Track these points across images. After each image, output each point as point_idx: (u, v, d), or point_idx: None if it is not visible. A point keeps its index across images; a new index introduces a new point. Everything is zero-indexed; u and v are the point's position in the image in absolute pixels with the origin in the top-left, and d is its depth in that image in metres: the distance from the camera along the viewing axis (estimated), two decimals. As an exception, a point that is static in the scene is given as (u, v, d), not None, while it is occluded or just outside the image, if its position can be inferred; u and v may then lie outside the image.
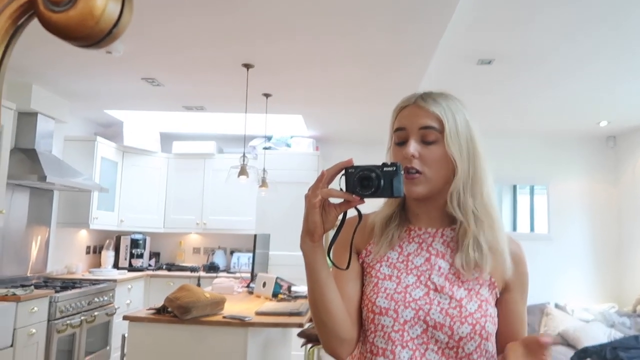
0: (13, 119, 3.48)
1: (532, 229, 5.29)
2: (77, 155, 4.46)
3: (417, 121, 0.99)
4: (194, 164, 5.19)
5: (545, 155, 5.20)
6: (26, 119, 3.80)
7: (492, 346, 0.97)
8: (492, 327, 0.96)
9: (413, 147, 0.98)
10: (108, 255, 4.84)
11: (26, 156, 3.68)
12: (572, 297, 4.95)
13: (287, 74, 3.43)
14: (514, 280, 1.01)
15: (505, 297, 1.02)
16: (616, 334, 4.13)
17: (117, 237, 5.03)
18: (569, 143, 5.19)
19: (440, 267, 1.00)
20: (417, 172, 0.98)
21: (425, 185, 0.98)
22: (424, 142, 0.99)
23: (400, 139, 1.01)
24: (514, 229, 5.28)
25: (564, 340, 4.45)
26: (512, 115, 4.49)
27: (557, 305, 4.84)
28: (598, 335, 4.14)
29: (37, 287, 3.47)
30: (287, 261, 4.48)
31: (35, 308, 3.15)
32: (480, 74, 3.39)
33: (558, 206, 5.15)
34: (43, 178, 3.47)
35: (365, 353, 0.98)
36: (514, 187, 5.34)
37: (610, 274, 5.02)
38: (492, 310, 0.97)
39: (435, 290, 0.97)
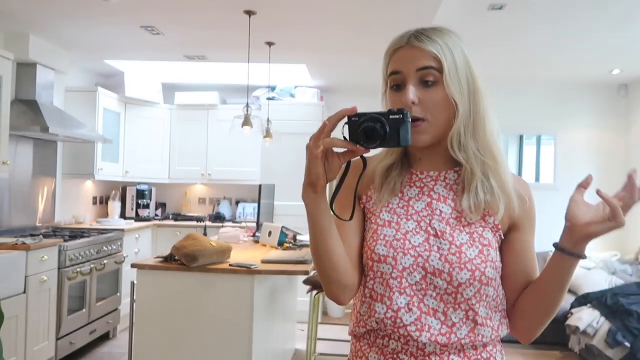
0: (12, 70, 3.42)
1: (537, 179, 5.28)
2: (78, 107, 4.42)
3: (414, 63, 0.93)
4: (197, 115, 5.14)
5: (554, 104, 5.11)
6: (25, 70, 3.74)
7: (492, 290, 0.96)
8: (492, 272, 0.94)
9: (412, 92, 0.93)
10: (114, 206, 4.89)
11: (27, 107, 3.65)
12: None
13: (290, 20, 3.33)
14: (523, 219, 0.99)
15: (515, 236, 1.00)
16: (617, 281, 4.20)
17: (123, 188, 5.07)
18: (579, 92, 5.08)
19: (441, 212, 0.98)
20: (419, 119, 0.93)
21: (429, 132, 0.94)
22: (423, 84, 0.94)
23: (395, 83, 0.96)
24: (519, 179, 5.26)
25: (565, 288, 4.53)
26: (521, 63, 4.37)
27: (559, 254, 4.89)
28: (599, 282, 4.21)
29: (45, 236, 3.53)
30: (292, 211, 4.51)
31: (45, 256, 3.22)
32: (491, 20, 3.27)
33: (565, 156, 5.11)
34: (46, 129, 3.45)
35: (364, 298, 0.99)
36: (521, 137, 5.28)
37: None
38: (494, 255, 0.96)
39: (435, 235, 0.96)
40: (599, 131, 5.10)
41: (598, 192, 0.90)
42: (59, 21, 3.44)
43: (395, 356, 0.95)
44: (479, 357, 0.96)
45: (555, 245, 0.93)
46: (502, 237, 0.99)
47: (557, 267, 0.93)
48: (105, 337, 4.09)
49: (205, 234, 3.47)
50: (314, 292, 3.08)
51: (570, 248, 0.92)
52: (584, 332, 3.62)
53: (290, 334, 3.84)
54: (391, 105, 0.96)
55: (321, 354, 3.60)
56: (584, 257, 0.93)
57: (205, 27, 3.51)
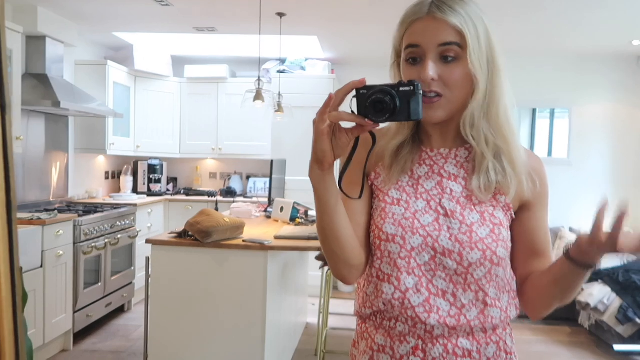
0: (22, 43, 3.39)
1: (549, 153, 5.21)
2: (88, 81, 4.39)
3: (435, 37, 0.87)
4: (207, 89, 5.10)
5: (570, 77, 4.99)
6: (35, 43, 3.71)
7: (502, 271, 0.94)
8: (503, 251, 0.92)
9: (432, 69, 0.87)
10: (127, 181, 4.92)
11: (38, 81, 3.64)
12: (588, 221, 4.95)
13: (302, -9, 3.24)
14: (535, 198, 0.96)
15: (528, 215, 0.97)
16: (630, 257, 4.18)
17: (135, 163, 5.08)
18: (596, 64, 4.95)
19: (452, 191, 0.95)
20: (438, 94, 0.89)
21: (445, 108, 0.90)
22: (443, 59, 0.88)
23: (412, 56, 0.90)
24: (533, 153, 5.20)
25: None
26: (536, 34, 4.25)
27: (571, 229, 4.87)
28: (611, 258, 4.19)
29: (60, 211, 3.56)
30: (304, 186, 4.48)
31: (61, 231, 3.26)
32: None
33: (580, 130, 5.02)
34: (57, 104, 3.44)
35: (371, 278, 0.96)
36: (534, 111, 5.19)
37: (628, 198, 4.98)
38: (506, 234, 0.93)
39: (445, 215, 0.93)
40: (616, 105, 4.99)
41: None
42: (67, -7, 3.39)
43: (402, 339, 0.94)
44: (489, 340, 0.94)
45: (566, 254, 0.89)
46: (514, 216, 0.96)
47: (568, 274, 0.90)
48: (120, 310, 4.17)
49: (217, 209, 3.49)
50: (326, 267, 3.10)
51: (580, 259, 0.87)
52: (595, 309, 3.63)
53: (302, 308, 3.89)
54: (407, 77, 0.91)
55: (332, 328, 3.65)
56: (594, 268, 0.89)
57: (215, -1, 3.44)
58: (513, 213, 0.96)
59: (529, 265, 0.98)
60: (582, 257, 0.86)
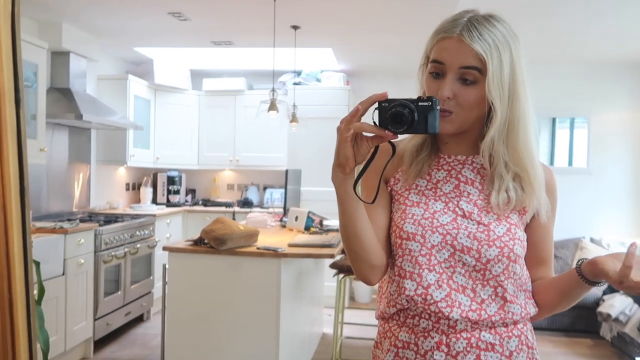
0: (47, 59, 3.53)
1: (570, 163, 5.14)
2: (110, 94, 4.52)
3: (458, 59, 0.93)
4: (225, 101, 5.20)
5: (588, 85, 4.94)
6: (59, 58, 3.85)
7: (519, 268, 0.98)
8: (520, 250, 0.96)
9: (448, 88, 0.93)
10: (146, 192, 5.02)
11: (62, 95, 3.77)
12: (609, 232, 4.87)
13: (316, 3, 3.31)
14: (549, 210, 1.01)
15: (536, 223, 1.02)
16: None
17: (154, 174, 5.19)
18: (614, 72, 4.89)
19: (469, 194, 1.00)
20: (447, 111, 0.95)
21: (455, 123, 0.96)
22: (462, 80, 0.94)
23: (436, 70, 0.96)
24: (552, 163, 5.13)
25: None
26: (553, 42, 4.23)
27: (592, 240, 4.78)
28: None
29: (82, 221, 3.66)
30: (319, 196, 4.54)
31: (82, 240, 3.34)
32: (521, -2, 3.18)
33: (599, 139, 4.95)
34: (80, 117, 3.56)
35: (393, 277, 1.01)
36: (553, 120, 5.14)
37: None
38: (521, 234, 0.98)
39: (463, 216, 0.98)
40: (634, 113, 4.91)
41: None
42: (90, 9, 3.52)
43: (426, 334, 0.97)
44: (510, 334, 0.97)
45: (577, 269, 0.94)
46: (528, 221, 1.01)
47: (575, 287, 0.96)
48: (139, 319, 4.23)
49: (234, 219, 3.54)
50: (340, 275, 3.11)
51: (589, 276, 0.92)
52: (616, 320, 3.55)
53: (318, 318, 3.89)
54: (427, 89, 0.98)
55: (348, 338, 3.64)
56: (600, 284, 0.94)
57: (231, 12, 3.53)
58: (528, 218, 1.00)
59: (533, 273, 1.03)
60: (592, 276, 0.92)
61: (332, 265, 3.13)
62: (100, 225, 3.58)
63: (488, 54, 0.92)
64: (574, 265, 0.96)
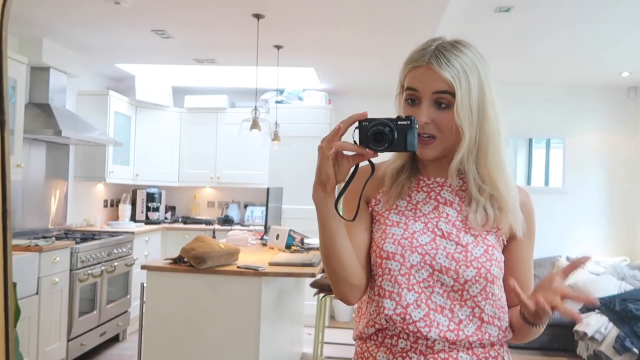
0: (26, 74, 3.49)
1: (546, 183, 5.25)
2: (90, 110, 4.48)
3: (430, 85, 0.97)
4: (207, 118, 5.19)
5: (563, 107, 5.09)
6: (39, 74, 3.81)
7: (497, 289, 0.99)
8: (497, 270, 0.98)
9: (425, 114, 0.97)
10: (125, 209, 4.95)
11: (41, 111, 3.72)
12: (585, 251, 4.97)
13: (299, 24, 3.36)
14: (523, 232, 1.03)
15: (513, 245, 1.04)
16: (626, 287, 4.17)
17: (134, 191, 5.13)
18: (588, 95, 5.05)
19: (448, 215, 1.02)
20: (432, 136, 0.98)
21: (438, 148, 0.99)
22: (437, 105, 0.97)
23: (411, 97, 1.00)
24: (529, 182, 5.24)
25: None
26: (529, 65, 4.36)
27: (568, 258, 4.87)
28: (608, 287, 4.18)
29: (58, 238, 3.58)
30: (300, 214, 4.54)
31: (58, 258, 3.27)
32: (498, 22, 3.28)
33: (574, 159, 5.09)
34: (58, 132, 3.51)
35: (373, 296, 1.01)
36: (530, 141, 5.26)
37: (623, 227, 5.01)
38: (499, 255, 0.99)
39: (442, 236, 0.99)
40: (608, 134, 5.07)
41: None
42: (72, 26, 3.50)
43: (404, 355, 0.97)
44: (487, 355, 0.98)
45: (521, 312, 0.97)
46: (505, 242, 1.03)
47: (524, 326, 0.99)
48: (115, 340, 4.13)
49: (214, 237, 3.51)
50: (321, 294, 3.10)
51: (530, 318, 0.95)
52: (592, 338, 3.60)
53: (298, 338, 3.86)
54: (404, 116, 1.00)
55: (328, 357, 3.61)
56: (544, 324, 0.97)
57: (214, 31, 3.56)
58: (505, 239, 1.02)
59: (510, 299, 1.04)
60: (531, 318, 0.94)
61: (313, 284, 3.12)
62: (76, 243, 3.51)
63: (456, 80, 0.95)
64: None
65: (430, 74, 0.96)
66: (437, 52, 0.97)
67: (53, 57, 3.82)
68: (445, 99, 0.96)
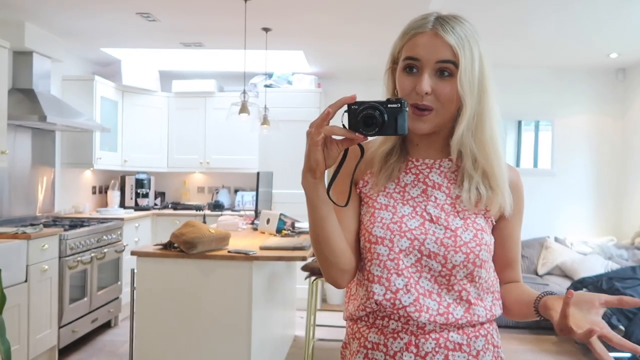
0: (8, 58, 3.41)
1: (535, 164, 5.29)
2: (76, 95, 4.41)
3: (435, 53, 0.93)
4: (195, 103, 5.14)
5: (552, 89, 5.10)
6: (22, 59, 3.74)
7: (485, 272, 0.99)
8: (486, 254, 0.98)
9: (427, 83, 0.94)
10: (114, 195, 4.91)
11: (25, 96, 3.65)
12: (572, 231, 5.03)
13: (287, 6, 3.31)
14: (512, 210, 1.02)
15: (503, 224, 1.04)
16: (613, 266, 4.23)
17: (122, 177, 5.08)
18: (577, 77, 5.07)
19: (436, 198, 1.01)
20: (428, 108, 0.95)
21: (432, 122, 0.97)
22: (438, 74, 0.95)
23: (410, 66, 0.96)
24: (518, 164, 5.27)
25: (562, 272, 4.57)
26: (519, 48, 4.36)
27: (556, 239, 4.93)
28: (595, 267, 4.24)
29: (46, 225, 3.55)
30: (291, 199, 4.53)
31: (46, 245, 3.24)
32: (487, 6, 3.26)
33: (562, 141, 5.12)
34: (43, 118, 3.45)
35: (362, 280, 1.01)
36: (519, 123, 5.28)
37: (610, 208, 5.07)
38: (488, 239, 0.99)
39: (431, 220, 0.98)
40: (596, 116, 5.10)
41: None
42: (55, 8, 3.42)
43: (395, 335, 0.97)
44: (477, 333, 0.99)
45: (535, 302, 0.95)
46: (494, 222, 1.03)
47: (531, 315, 0.97)
48: (107, 326, 4.13)
49: (204, 222, 3.50)
50: (312, 278, 3.11)
51: (542, 312, 0.94)
52: (580, 316, 3.66)
53: (290, 321, 3.88)
54: (401, 87, 0.98)
55: (320, 340, 3.64)
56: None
57: (201, 13, 3.50)
58: (493, 220, 1.02)
59: (501, 275, 1.06)
60: (545, 315, 0.93)
61: (304, 268, 3.13)
62: (65, 230, 3.48)
63: (461, 47, 0.93)
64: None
65: (434, 42, 0.94)
66: (442, 20, 0.95)
67: (36, 42, 3.73)
68: (448, 69, 0.94)
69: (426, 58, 0.94)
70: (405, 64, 0.97)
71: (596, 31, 3.88)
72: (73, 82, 4.46)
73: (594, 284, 3.79)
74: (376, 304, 0.97)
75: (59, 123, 3.62)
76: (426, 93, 0.94)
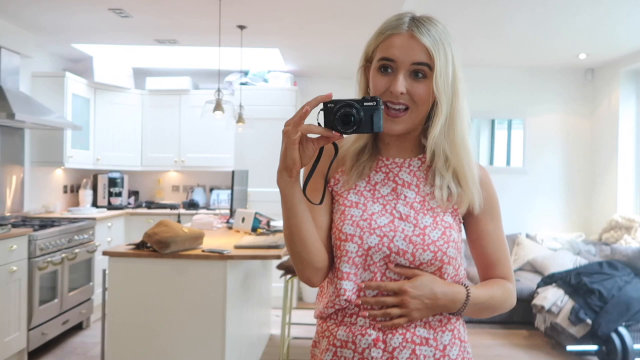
0: (-26, 54, 3.32)
1: (508, 162, 5.39)
2: (46, 92, 4.30)
3: (410, 55, 0.95)
4: (169, 101, 5.07)
5: (524, 89, 5.20)
6: (-12, 54, 3.63)
7: (452, 269, 1.01)
8: (454, 251, 1.00)
9: (402, 84, 0.95)
10: (86, 194, 4.82)
11: (-8, 93, 3.54)
12: (543, 228, 5.15)
13: (262, 4, 3.30)
14: (483, 208, 1.04)
15: (474, 220, 1.05)
16: (582, 261, 4.35)
17: (94, 176, 4.99)
18: (548, 77, 5.18)
19: (406, 197, 1.02)
20: (403, 108, 0.96)
21: (407, 122, 0.98)
22: (413, 75, 0.96)
23: (385, 66, 0.97)
24: (491, 162, 5.37)
25: (533, 268, 4.67)
26: (491, 48, 4.43)
27: (527, 235, 5.04)
28: (565, 262, 4.35)
29: (15, 226, 3.46)
30: (266, 197, 4.52)
31: (14, 246, 3.16)
32: (460, 6, 3.31)
33: (534, 139, 5.23)
34: (11, 115, 3.36)
35: (332, 278, 1.02)
36: (492, 122, 5.38)
37: (580, 204, 5.21)
38: (456, 235, 1.01)
39: (400, 218, 1.00)
40: (566, 115, 5.22)
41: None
42: (24, 2, 3.34)
43: (364, 332, 0.98)
44: (444, 328, 1.01)
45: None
46: (462, 220, 1.04)
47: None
48: (78, 327, 4.05)
49: (179, 222, 3.47)
50: (288, 276, 3.12)
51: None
52: (549, 311, 3.76)
53: (266, 320, 3.87)
54: (375, 86, 0.98)
55: (296, 338, 3.65)
56: (459, 313, 1.00)
57: (175, 10, 3.45)
58: (460, 218, 1.04)
59: (485, 273, 1.07)
60: None
61: (279, 266, 3.13)
62: (34, 230, 3.40)
63: (436, 50, 0.95)
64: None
65: (410, 44, 0.95)
66: (416, 21, 0.97)
67: (4, 36, 3.63)
68: (422, 70, 0.95)
69: (401, 59, 0.96)
70: (380, 64, 0.98)
71: (566, 32, 3.97)
72: (43, 79, 4.35)
73: (563, 279, 3.89)
74: (345, 300, 0.98)
75: (28, 121, 3.53)
76: (401, 93, 0.95)
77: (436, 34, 0.96)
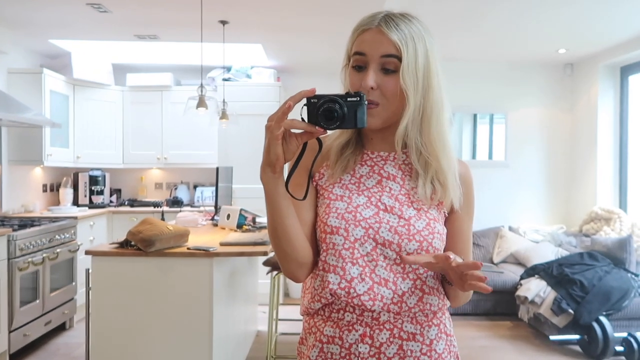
0: (-53, 50, 3.22)
1: (490, 156, 5.45)
2: (23, 90, 4.21)
3: (378, 48, 0.96)
4: (151, 97, 5.00)
5: (505, 83, 5.26)
6: (-38, 50, 3.53)
7: None
8: (439, 243, 1.00)
9: (372, 78, 0.96)
10: (66, 193, 4.73)
11: (-34, 90, 3.45)
12: (525, 220, 5.23)
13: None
14: (462, 205, 1.05)
15: (453, 217, 1.06)
16: (563, 252, 4.43)
17: (75, 174, 4.90)
18: (528, 71, 5.24)
19: (391, 189, 1.02)
20: (373, 103, 0.97)
21: (380, 116, 0.98)
22: (384, 70, 0.97)
23: (358, 63, 0.99)
24: (474, 157, 5.42)
25: (516, 260, 4.74)
26: (472, 42, 4.46)
27: (510, 228, 5.10)
28: (547, 254, 4.42)
29: (-7, 226, 3.38)
30: (251, 193, 4.50)
31: (-7, 247, 3.09)
32: (442, 1, 3.32)
33: (515, 133, 5.29)
34: (-13, 113, 3.28)
35: (318, 271, 1.01)
36: (474, 116, 5.43)
37: (561, 197, 5.29)
38: (441, 228, 1.01)
39: (385, 210, 1.00)
40: (546, 109, 5.30)
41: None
42: (-3, -1, 3.25)
43: (350, 327, 0.98)
44: (430, 323, 1.01)
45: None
46: (447, 214, 1.05)
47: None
48: (61, 328, 3.99)
49: (163, 219, 3.42)
50: (274, 272, 3.11)
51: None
52: (532, 302, 3.82)
53: (253, 316, 3.86)
54: (350, 83, 1.00)
55: (283, 334, 3.64)
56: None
57: (155, 5, 3.40)
58: (446, 212, 1.04)
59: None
60: (445, 274, 0.98)
61: (266, 263, 3.12)
62: (14, 230, 3.33)
63: (403, 43, 0.96)
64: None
65: (378, 38, 0.97)
66: (387, 17, 0.98)
67: (-22, 32, 3.54)
68: (392, 64, 0.96)
69: (371, 53, 0.97)
70: (354, 60, 0.99)
71: (546, 27, 4.02)
72: (20, 75, 4.26)
73: (545, 270, 3.95)
74: (331, 293, 0.98)
75: (5, 118, 3.44)
76: (371, 88, 0.96)
77: (405, 29, 0.97)
